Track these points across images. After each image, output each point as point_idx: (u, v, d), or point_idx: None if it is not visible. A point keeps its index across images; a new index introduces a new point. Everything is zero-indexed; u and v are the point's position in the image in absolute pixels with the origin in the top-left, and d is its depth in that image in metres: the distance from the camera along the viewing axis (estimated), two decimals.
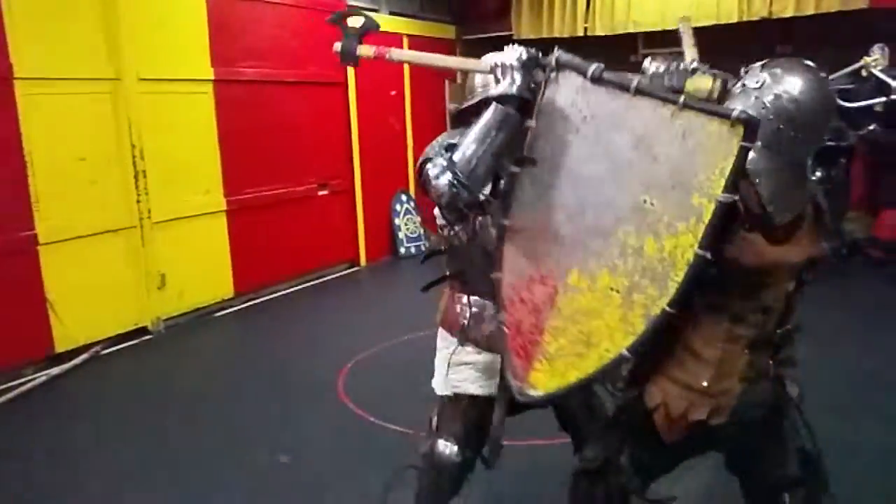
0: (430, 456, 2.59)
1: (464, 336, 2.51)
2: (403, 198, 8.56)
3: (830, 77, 3.08)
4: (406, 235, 8.48)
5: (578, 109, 1.92)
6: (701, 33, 8.75)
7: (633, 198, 1.85)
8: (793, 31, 7.63)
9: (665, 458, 2.20)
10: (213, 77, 6.12)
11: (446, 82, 9.23)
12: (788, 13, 7.35)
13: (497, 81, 2.05)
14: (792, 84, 1.89)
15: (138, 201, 5.56)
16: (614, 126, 1.88)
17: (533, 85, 2.02)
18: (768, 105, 1.89)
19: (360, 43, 2.40)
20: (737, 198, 1.76)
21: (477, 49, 9.34)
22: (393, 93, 8.37)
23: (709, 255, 1.76)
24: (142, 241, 5.61)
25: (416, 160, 9.01)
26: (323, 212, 7.49)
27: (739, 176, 1.75)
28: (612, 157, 1.89)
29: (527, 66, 2.02)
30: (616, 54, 8.56)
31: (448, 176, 2.07)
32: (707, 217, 1.75)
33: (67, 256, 5.12)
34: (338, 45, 2.39)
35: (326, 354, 5.17)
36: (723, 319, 1.99)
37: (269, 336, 5.83)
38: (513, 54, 2.04)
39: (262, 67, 6.62)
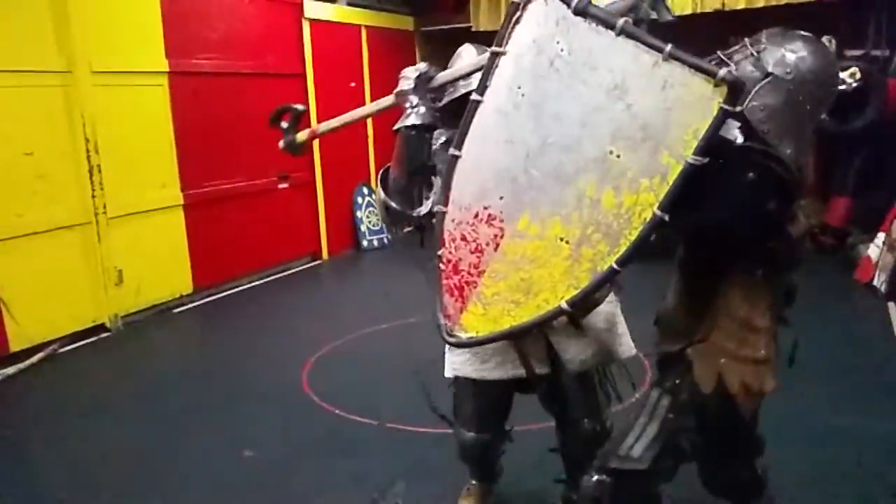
0: (456, 437, 2.81)
1: None
2: (365, 190, 8.53)
3: None
4: (368, 228, 8.45)
5: (556, 41, 1.79)
6: (656, 24, 8.80)
7: (600, 146, 1.75)
8: (745, 23, 7.77)
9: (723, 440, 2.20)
10: (167, 69, 6.01)
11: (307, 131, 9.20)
12: (741, 5, 7.51)
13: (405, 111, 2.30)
14: (796, 45, 1.89)
15: (93, 196, 5.45)
16: (591, 66, 1.75)
17: (435, 104, 2.30)
18: (775, 67, 1.86)
19: (297, 131, 2.63)
20: (706, 161, 1.62)
21: (435, 41, 9.35)
22: (353, 84, 8.32)
23: (667, 217, 1.66)
24: (98, 237, 5.50)
25: (377, 153, 9.06)
26: (283, 205, 7.43)
27: (713, 140, 1.63)
28: (583, 99, 1.77)
29: (418, 87, 2.31)
30: None
31: (381, 195, 2.43)
32: (672, 178, 1.65)
33: (20, 253, 5.00)
34: (281, 143, 2.65)
35: (289, 348, 5.14)
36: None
37: (231, 331, 5.77)
38: (407, 80, 2.31)
39: (218, 59, 6.53)
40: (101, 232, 5.52)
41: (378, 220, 8.53)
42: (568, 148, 1.80)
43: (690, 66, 1.64)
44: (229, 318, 6.12)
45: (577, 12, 1.75)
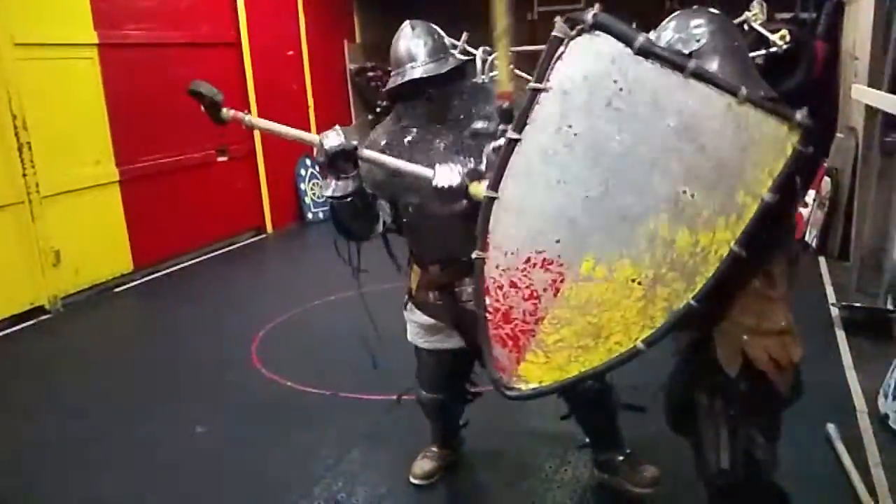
0: (418, 398, 2.98)
1: (410, 298, 2.79)
2: (308, 162, 8.41)
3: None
4: (313, 200, 8.37)
5: (613, 80, 1.69)
6: None
7: (672, 187, 1.68)
8: None
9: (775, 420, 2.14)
10: (97, 41, 5.80)
11: (345, 42, 9.08)
12: None
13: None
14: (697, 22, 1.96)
15: (24, 175, 5.25)
16: (657, 106, 1.67)
17: (355, 172, 2.30)
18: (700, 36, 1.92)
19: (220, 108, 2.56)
20: (778, 198, 1.62)
21: (374, 7, 9.22)
22: (290, 53, 8.17)
23: (744, 254, 1.63)
24: (31, 217, 5.32)
25: (318, 122, 8.94)
26: (223, 178, 7.28)
27: (789, 179, 1.63)
28: (651, 140, 1.69)
29: (334, 162, 2.27)
30: (513, 11, 8.63)
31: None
32: (748, 216, 1.62)
33: None
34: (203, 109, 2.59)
35: (236, 324, 5.09)
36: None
37: (174, 309, 5.68)
38: (328, 145, 2.24)
39: (150, 30, 6.33)
40: (35, 211, 5.34)
41: (322, 191, 8.47)
42: (636, 189, 1.71)
43: (767, 110, 1.63)
44: (172, 296, 6.02)
45: (640, 52, 1.66)
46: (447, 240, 2.46)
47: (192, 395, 4.04)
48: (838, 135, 6.35)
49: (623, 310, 1.74)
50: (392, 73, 2.52)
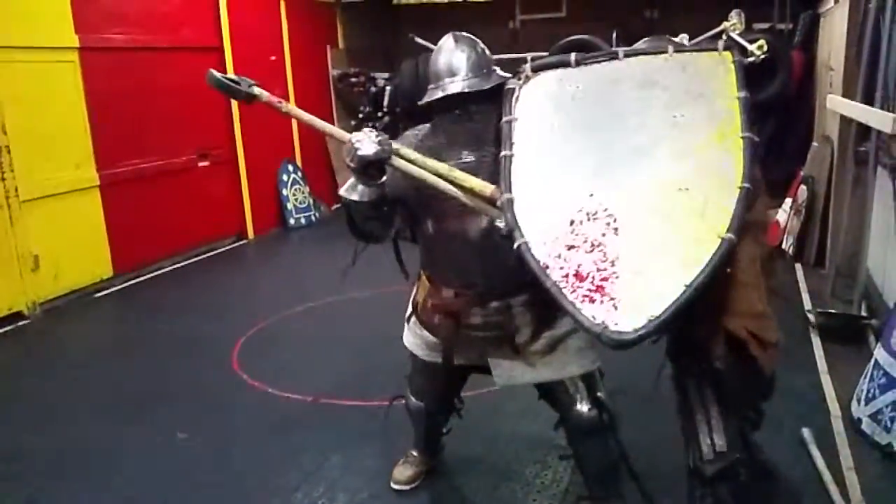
0: (406, 406, 2.95)
1: (414, 313, 2.69)
2: (290, 168, 8.42)
3: (696, 40, 3.35)
4: (295, 206, 8.36)
5: (565, 88, 2.12)
6: (574, 0, 8.98)
7: (664, 117, 2.02)
8: None
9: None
10: (78, 45, 5.77)
11: (328, 48, 9.09)
12: None
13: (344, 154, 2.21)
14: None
15: (3, 179, 5.20)
16: (612, 81, 2.10)
17: (374, 182, 2.22)
18: None
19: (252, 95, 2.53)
20: (747, 94, 1.99)
21: (357, 13, 9.25)
22: (273, 58, 8.17)
23: (755, 138, 1.95)
24: (10, 221, 5.27)
25: (300, 127, 8.88)
26: (205, 183, 7.26)
27: (744, 81, 2.01)
28: (617, 102, 2.07)
29: (365, 173, 2.19)
30: (495, 19, 8.71)
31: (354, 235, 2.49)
32: (737, 110, 1.98)
33: None
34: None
35: (217, 330, 5.08)
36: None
37: (155, 315, 5.64)
38: (362, 154, 2.15)
39: (132, 34, 6.31)
40: (14, 216, 5.29)
41: (304, 197, 8.45)
42: (633, 131, 2.03)
43: (696, 50, 2.13)
44: (153, 302, 5.98)
45: (578, 64, 2.15)
46: (465, 267, 2.42)
47: (173, 401, 4.02)
48: (814, 144, 6.45)
49: (686, 216, 1.88)
50: (430, 87, 2.39)
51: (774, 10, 7.74)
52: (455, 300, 2.48)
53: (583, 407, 2.49)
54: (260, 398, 4.00)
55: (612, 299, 1.79)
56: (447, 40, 2.42)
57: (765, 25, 7.47)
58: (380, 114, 9.17)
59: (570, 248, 1.90)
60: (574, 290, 1.83)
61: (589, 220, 1.93)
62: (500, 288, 2.41)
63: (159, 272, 6.65)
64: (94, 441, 3.61)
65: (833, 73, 5.77)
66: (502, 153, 2.10)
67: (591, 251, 1.88)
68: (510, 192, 2.02)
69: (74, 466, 3.39)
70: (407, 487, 3.00)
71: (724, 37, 6.47)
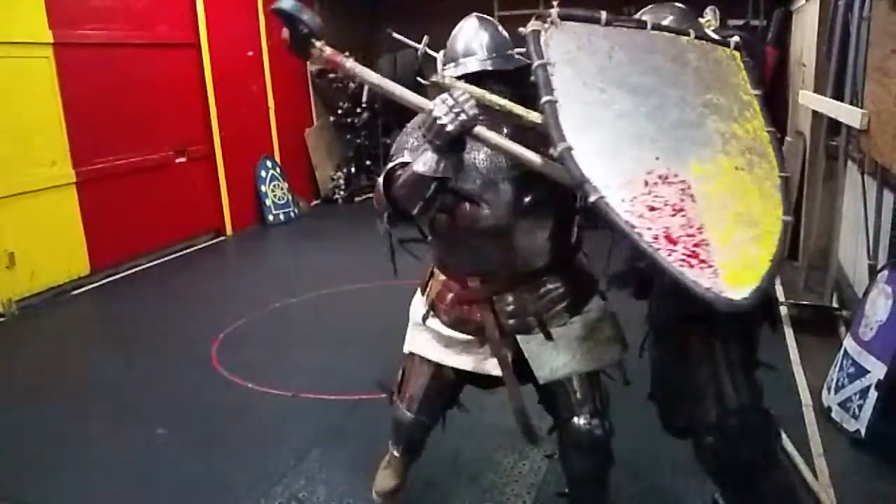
0: (393, 416, 2.66)
1: (430, 309, 2.47)
2: (269, 164, 8.39)
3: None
4: (274, 202, 8.34)
5: (598, 45, 2.02)
6: None
7: (701, 96, 2.04)
8: None
9: None
10: (52, 40, 5.72)
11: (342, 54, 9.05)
12: None
13: (427, 131, 1.98)
14: (666, 13, 2.32)
15: None
16: (646, 50, 2.07)
17: (455, 155, 2.01)
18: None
19: (310, 43, 2.28)
20: (762, 92, 2.13)
21: (336, 7, 9.22)
22: (250, 53, 8.14)
23: (777, 134, 2.08)
24: None
25: (278, 123, 8.90)
26: (182, 180, 7.23)
27: (756, 82, 2.14)
28: (657, 72, 2.05)
29: (446, 147, 1.98)
30: (472, 11, 8.72)
31: (385, 222, 2.19)
32: (758, 105, 2.10)
33: None
34: (286, 35, 2.27)
35: (196, 326, 5.07)
36: None
37: (133, 312, 5.62)
38: (445, 133, 1.94)
39: (107, 30, 6.26)
40: None
41: (283, 193, 8.44)
42: (679, 103, 2.01)
43: (712, 41, 2.19)
44: (131, 299, 5.95)
45: (607, 24, 2.07)
46: (494, 253, 2.28)
47: (152, 397, 4.01)
48: (787, 138, 6.55)
49: (750, 195, 1.92)
50: (446, 66, 2.30)
51: (748, 7, 7.83)
52: (482, 287, 2.34)
53: (582, 419, 2.32)
54: (239, 393, 4.01)
55: (710, 266, 1.71)
56: (470, 20, 2.35)
57: (739, 22, 7.54)
58: (358, 110, 9.18)
59: (652, 209, 1.78)
60: (670, 254, 1.72)
61: (664, 182, 1.83)
62: (533, 268, 2.31)
63: (137, 269, 6.62)
64: (71, 438, 3.60)
65: (805, 69, 5.87)
66: (544, 98, 1.87)
67: (675, 215, 1.78)
68: (564, 140, 1.82)
69: (52, 464, 3.38)
70: (388, 502, 2.81)
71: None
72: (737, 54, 2.19)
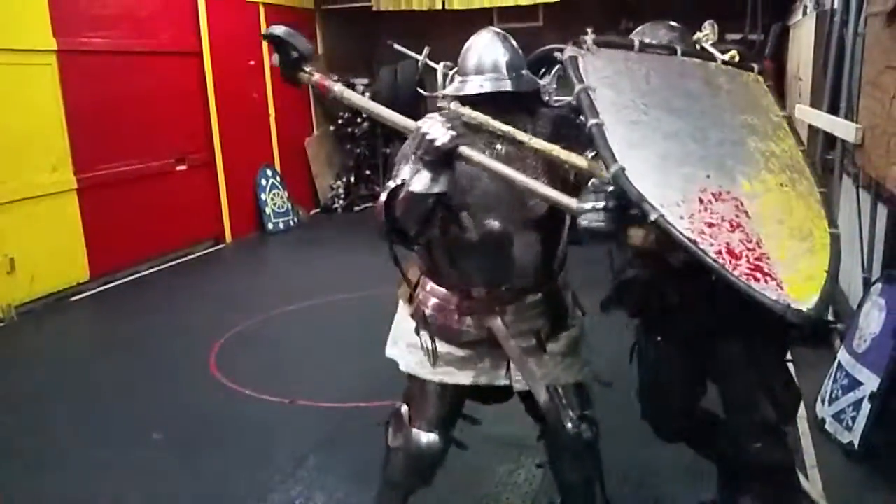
0: (405, 447, 2.44)
1: (425, 325, 2.37)
2: (269, 172, 8.43)
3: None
4: (273, 211, 8.37)
5: (635, 70, 2.08)
6: (552, 9, 9.22)
7: (737, 118, 2.12)
8: (634, 7, 8.13)
9: None
10: (56, 48, 5.77)
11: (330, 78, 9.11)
12: None
13: (415, 145, 2.03)
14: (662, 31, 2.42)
15: None
16: (680, 75, 2.15)
17: (444, 172, 2.02)
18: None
19: (300, 69, 2.31)
20: (788, 116, 2.26)
21: (336, 20, 9.30)
22: (252, 63, 8.19)
23: (803, 147, 2.19)
24: None
25: (279, 132, 8.97)
26: (182, 187, 7.26)
27: (782, 104, 2.28)
28: (693, 95, 2.12)
29: (439, 164, 2.00)
30: (473, 27, 8.78)
31: (386, 234, 2.16)
32: (788, 126, 2.22)
33: None
34: (275, 61, 2.31)
35: (195, 333, 5.09)
36: None
37: (132, 318, 5.63)
38: (436, 141, 1.96)
39: (111, 38, 6.32)
40: None
41: (283, 201, 8.47)
42: (719, 124, 2.08)
43: (737, 67, 2.32)
44: (130, 305, 5.97)
45: (640, 50, 2.15)
46: (497, 264, 2.27)
47: (150, 402, 4.03)
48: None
49: (798, 210, 1.97)
50: (459, 80, 2.29)
51: (746, 22, 7.91)
52: (486, 297, 2.30)
53: (570, 424, 2.33)
54: (237, 400, 4.03)
55: (773, 279, 1.76)
56: (483, 35, 2.32)
57: (737, 36, 7.61)
58: (359, 119, 9.23)
59: (711, 225, 1.81)
60: (735, 268, 1.75)
61: (718, 200, 1.87)
62: (528, 283, 2.32)
63: (136, 276, 6.64)
64: (69, 442, 3.61)
65: (801, 84, 5.92)
66: (591, 122, 1.88)
67: (733, 231, 1.82)
68: (616, 161, 1.81)
69: (51, 467, 3.39)
70: None
71: (698, 47, 6.65)
72: (760, 78, 2.30)
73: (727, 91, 2.17)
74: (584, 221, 1.85)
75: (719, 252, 1.76)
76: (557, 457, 2.44)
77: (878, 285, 3.45)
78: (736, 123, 2.10)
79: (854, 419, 3.19)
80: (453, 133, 1.99)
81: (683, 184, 1.86)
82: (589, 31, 2.08)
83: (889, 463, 3.07)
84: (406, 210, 2.09)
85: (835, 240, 1.93)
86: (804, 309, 1.71)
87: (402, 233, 2.16)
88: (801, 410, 3.57)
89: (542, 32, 7.97)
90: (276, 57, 2.28)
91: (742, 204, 1.88)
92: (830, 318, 4.59)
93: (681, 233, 1.75)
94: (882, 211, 3.77)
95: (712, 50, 6.40)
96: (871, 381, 3.17)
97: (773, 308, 1.70)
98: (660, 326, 2.47)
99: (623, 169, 1.79)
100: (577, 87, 1.94)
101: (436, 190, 2.03)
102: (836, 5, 4.80)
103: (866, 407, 3.14)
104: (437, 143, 1.97)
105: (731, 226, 1.82)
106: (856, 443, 3.14)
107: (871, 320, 3.34)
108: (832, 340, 4.31)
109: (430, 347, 2.36)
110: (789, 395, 2.30)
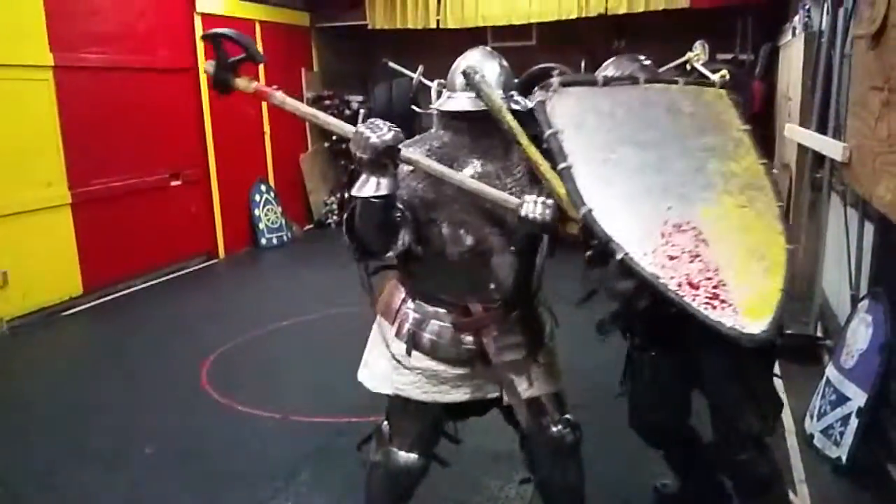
0: (384, 464, 2.45)
1: (412, 342, 2.36)
2: (263, 188, 8.46)
3: (661, 69, 3.47)
4: (267, 226, 8.39)
5: (601, 106, 2.19)
6: (545, 28, 9.30)
7: (699, 140, 2.20)
8: (626, 27, 8.25)
9: None
10: (52, 63, 5.81)
11: (303, 70, 9.19)
12: (622, 10, 7.94)
13: (353, 147, 2.02)
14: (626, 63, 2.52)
15: None
16: (643, 105, 2.23)
17: (388, 172, 2.02)
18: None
19: (236, 73, 2.25)
20: (751, 127, 2.29)
21: (331, 37, 9.38)
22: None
23: (770, 164, 2.24)
24: None
25: (273, 148, 9.03)
26: (176, 203, 7.28)
27: (744, 116, 2.31)
28: (657, 124, 2.20)
29: (378, 164, 2.01)
30: (466, 46, 8.86)
31: (350, 247, 2.18)
32: (749, 139, 2.25)
33: None
34: (209, 67, 2.25)
35: (187, 348, 5.09)
36: None
37: (124, 333, 5.63)
38: (376, 139, 1.97)
39: (107, 53, 6.36)
40: None
41: (277, 217, 8.50)
42: (681, 152, 2.17)
43: (698, 85, 2.40)
44: (122, 320, 5.97)
45: (604, 85, 2.26)
46: (487, 280, 2.29)
47: (142, 417, 4.03)
48: (774, 170, 6.66)
49: (756, 229, 2.06)
50: (446, 94, 2.31)
51: (737, 42, 8.02)
52: (485, 315, 2.31)
53: (554, 428, 2.39)
54: (229, 415, 4.03)
55: (730, 305, 1.88)
56: (474, 53, 2.33)
57: (727, 56, 7.71)
58: None
59: (672, 258, 1.94)
60: (694, 299, 1.89)
61: (679, 231, 2.00)
62: (512, 299, 2.34)
63: (129, 290, 6.64)
64: (60, 457, 3.61)
65: (791, 103, 6.00)
66: (560, 165, 2.03)
67: (692, 261, 1.94)
68: (584, 203, 1.97)
69: (41, 483, 3.39)
70: None
71: (689, 66, 6.72)
72: (722, 92, 2.34)
73: (689, 114, 2.25)
74: (529, 214, 2.01)
75: (679, 284, 1.89)
76: (541, 464, 2.45)
77: (865, 302, 3.49)
78: (697, 147, 2.18)
79: (842, 434, 3.22)
80: (396, 132, 2.00)
81: (647, 219, 2.00)
82: (554, 73, 2.27)
83: (876, 477, 3.11)
84: (359, 221, 2.10)
85: (790, 255, 2.01)
86: (757, 332, 1.83)
87: (365, 250, 2.19)
88: (790, 425, 3.62)
89: (536, 51, 8.04)
90: (211, 64, 2.27)
91: (701, 233, 2.00)
92: (819, 334, 4.64)
93: (644, 269, 1.90)
94: (869, 228, 3.82)
95: (702, 69, 6.44)
96: (858, 397, 3.21)
97: (729, 335, 1.84)
98: (653, 341, 2.52)
99: (590, 210, 1.96)
100: (546, 133, 2.08)
101: (381, 192, 2.02)
102: (823, 27, 4.89)
103: (854, 422, 3.17)
104: (373, 141, 1.97)
105: (691, 256, 1.95)
106: (843, 457, 3.17)
107: (859, 336, 3.38)
108: (821, 356, 4.35)
109: (423, 368, 2.34)
110: (772, 406, 2.36)
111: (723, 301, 1.88)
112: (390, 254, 2.23)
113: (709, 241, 1.98)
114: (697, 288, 1.90)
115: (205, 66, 2.26)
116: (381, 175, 2.03)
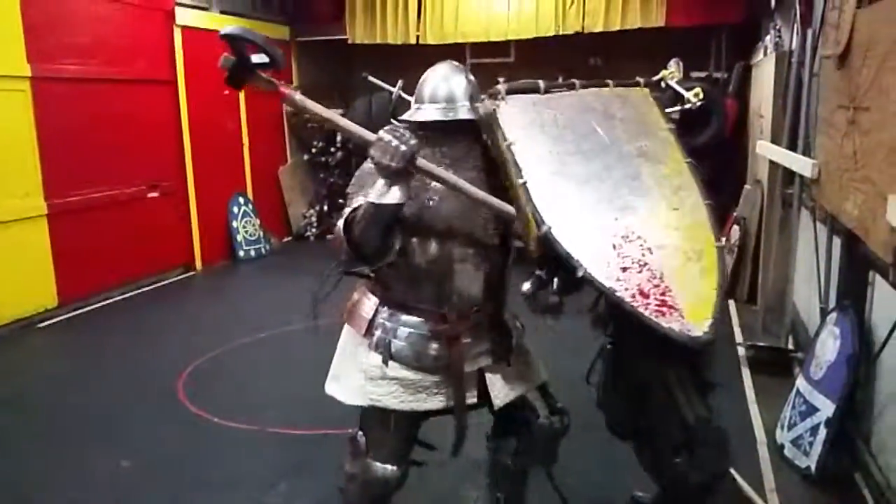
0: (362, 476, 2.47)
1: (387, 352, 2.38)
2: (241, 200, 8.45)
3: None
4: (245, 238, 8.37)
5: (544, 115, 2.23)
6: (523, 45, 9.42)
7: (632, 145, 2.28)
8: (603, 45, 8.38)
9: None
10: (30, 74, 5.78)
11: (283, 84, 9.18)
12: (598, 28, 8.07)
13: (378, 154, 2.04)
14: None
15: None
16: (581, 111, 2.30)
17: (407, 180, 2.08)
18: None
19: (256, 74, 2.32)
20: (675, 127, 2.40)
21: (312, 51, 9.41)
22: (226, 92, 8.24)
23: (695, 162, 2.31)
24: None
25: (252, 161, 9.02)
26: (153, 214, 7.24)
27: (666, 115, 2.42)
28: (596, 131, 2.27)
29: (402, 172, 2.05)
30: (445, 57, 8.93)
31: (345, 251, 2.21)
32: (674, 139, 2.35)
33: None
34: (226, 62, 2.35)
35: (163, 360, 5.06)
36: None
37: (100, 345, 5.59)
38: (402, 153, 2.01)
39: (86, 65, 6.34)
40: None
41: (255, 229, 8.48)
42: (619, 158, 2.24)
43: (625, 86, 2.43)
44: (98, 332, 5.92)
45: (545, 92, 2.28)
46: (458, 286, 2.34)
47: (117, 430, 4.00)
48: (746, 186, 6.79)
49: (690, 230, 2.14)
50: (414, 106, 2.39)
51: (710, 60, 8.18)
52: (461, 321, 2.36)
53: (543, 418, 2.44)
54: (205, 428, 4.01)
55: (677, 310, 1.96)
56: (440, 67, 2.41)
57: (701, 74, 7.86)
58: (332, 149, 9.30)
59: (625, 269, 2.02)
60: (646, 308, 1.96)
61: (627, 242, 2.07)
62: (482, 305, 2.40)
63: (105, 302, 6.58)
64: (34, 470, 3.58)
65: (763, 121, 6.13)
66: (518, 181, 2.07)
67: (641, 271, 2.02)
68: (545, 222, 2.03)
69: (14, 497, 3.35)
70: None
71: (664, 83, 6.84)
72: (646, 91, 2.45)
73: (621, 119, 2.33)
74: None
75: (633, 296, 1.97)
76: (526, 449, 2.49)
77: (833, 314, 3.58)
78: (633, 153, 2.27)
79: (811, 444, 3.29)
80: (416, 139, 2.07)
81: (599, 232, 2.08)
82: (500, 80, 2.28)
83: (844, 486, 3.17)
84: (366, 226, 2.13)
85: (720, 253, 2.10)
86: (700, 334, 1.92)
87: (362, 256, 2.22)
88: (762, 436, 3.69)
89: (514, 68, 8.14)
90: (229, 59, 2.35)
91: (646, 241, 2.08)
92: (791, 346, 4.73)
93: (602, 283, 1.98)
94: (837, 243, 3.92)
95: (677, 86, 6.56)
96: (826, 408, 3.28)
97: (679, 339, 1.92)
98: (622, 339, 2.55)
99: (550, 229, 2.01)
100: (503, 144, 2.14)
101: (397, 199, 2.08)
102: (793, 47, 5.02)
103: (823, 432, 3.24)
104: (403, 149, 2.02)
105: (640, 266, 2.03)
106: (813, 467, 3.23)
107: (827, 348, 3.46)
108: (793, 368, 4.43)
109: (400, 377, 2.36)
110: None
111: (671, 307, 1.96)
112: (389, 259, 2.26)
113: (653, 248, 2.07)
114: (648, 297, 1.98)
115: (221, 60, 2.35)
116: (404, 182, 2.09)
